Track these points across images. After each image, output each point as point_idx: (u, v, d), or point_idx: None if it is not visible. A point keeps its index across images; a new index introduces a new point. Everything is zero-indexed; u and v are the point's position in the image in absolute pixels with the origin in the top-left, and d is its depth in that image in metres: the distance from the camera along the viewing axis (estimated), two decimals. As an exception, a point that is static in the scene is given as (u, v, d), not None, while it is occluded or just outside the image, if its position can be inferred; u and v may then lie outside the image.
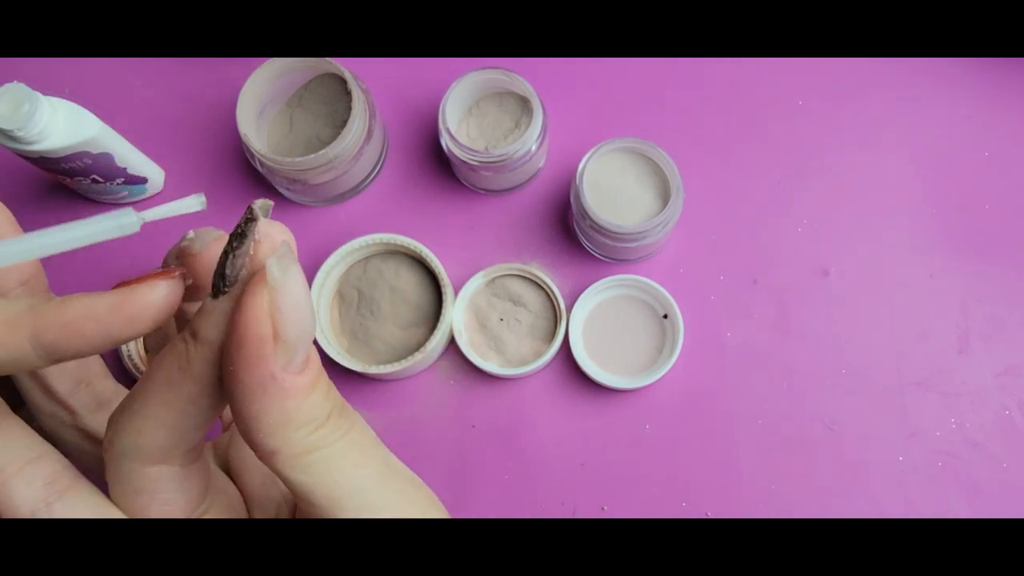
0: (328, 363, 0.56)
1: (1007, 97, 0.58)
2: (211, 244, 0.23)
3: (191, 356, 0.22)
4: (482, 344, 0.55)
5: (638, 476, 0.54)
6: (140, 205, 0.60)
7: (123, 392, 0.29)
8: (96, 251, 0.60)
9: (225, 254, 0.21)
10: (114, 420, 0.23)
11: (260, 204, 0.21)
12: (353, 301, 0.56)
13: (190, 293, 0.23)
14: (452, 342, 0.56)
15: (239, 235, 0.21)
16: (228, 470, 0.29)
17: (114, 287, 0.22)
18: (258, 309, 0.20)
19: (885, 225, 0.57)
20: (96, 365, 0.29)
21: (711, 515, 0.54)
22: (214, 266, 0.22)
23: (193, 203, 0.21)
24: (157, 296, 0.22)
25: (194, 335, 0.22)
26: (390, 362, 0.53)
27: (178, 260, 0.24)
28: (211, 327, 0.21)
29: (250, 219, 0.21)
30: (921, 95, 0.58)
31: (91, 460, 0.26)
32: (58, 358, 0.22)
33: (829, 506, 0.53)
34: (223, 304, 0.21)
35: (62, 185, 0.58)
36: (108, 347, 0.22)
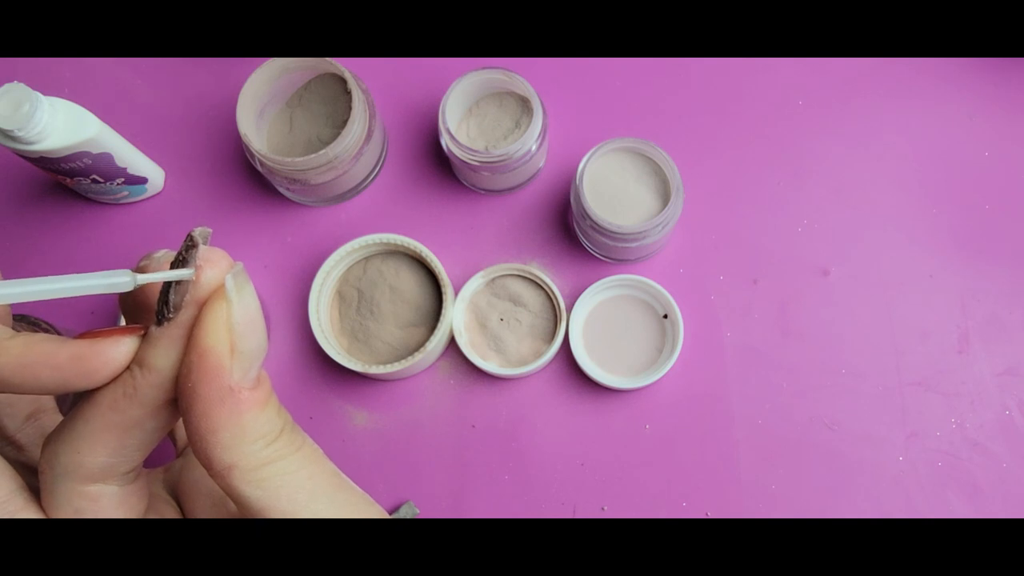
0: (328, 363, 0.56)
1: (1007, 97, 0.58)
2: (164, 264, 0.24)
3: (138, 382, 0.22)
4: (482, 344, 0.55)
5: (638, 476, 0.54)
6: (140, 205, 0.60)
7: None
8: (97, 241, 0.60)
9: (167, 282, 0.22)
10: (52, 442, 0.23)
11: (200, 232, 0.22)
12: (353, 301, 0.56)
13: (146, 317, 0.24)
14: (452, 342, 0.56)
15: (181, 262, 0.22)
16: (178, 495, 0.29)
17: (80, 335, 0.22)
18: (217, 323, 0.22)
19: (885, 225, 0.57)
20: (47, 400, 0.29)
21: (711, 515, 0.54)
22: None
23: (185, 273, 0.22)
24: (118, 353, 0.22)
25: (140, 363, 0.22)
26: (390, 362, 0.53)
27: None
28: (159, 354, 0.22)
29: (191, 246, 0.22)
30: (921, 95, 0.58)
31: (34, 493, 0.27)
32: (9, 392, 0.22)
33: (829, 506, 0.53)
34: (170, 330, 0.22)
35: (62, 185, 0.58)
36: (61, 392, 0.22)
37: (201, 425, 0.22)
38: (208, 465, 0.22)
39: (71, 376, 0.22)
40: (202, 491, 0.29)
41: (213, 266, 0.22)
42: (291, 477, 0.23)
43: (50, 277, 0.21)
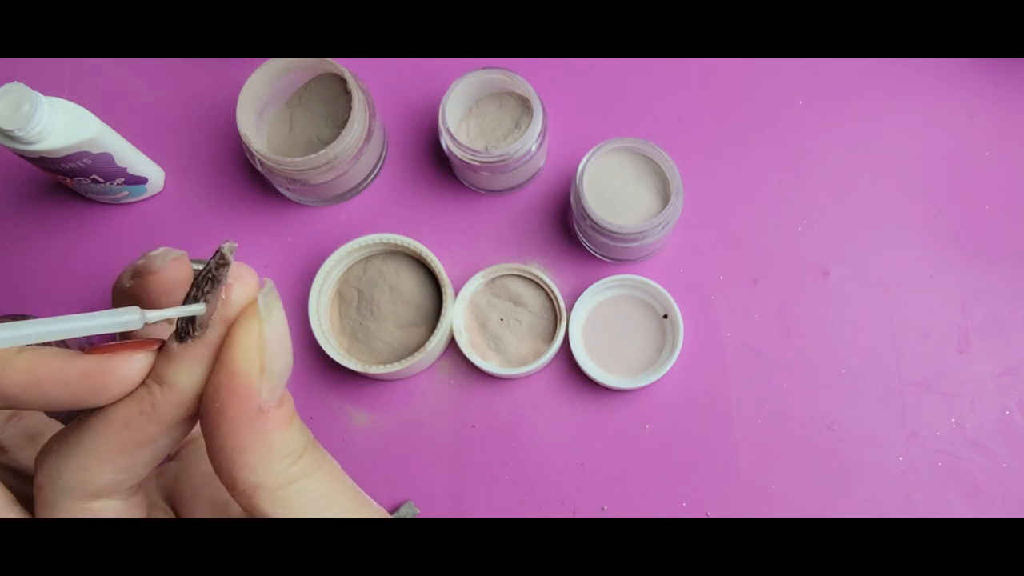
0: (328, 363, 0.56)
1: (1007, 97, 0.58)
2: (170, 264, 0.23)
3: (157, 400, 0.22)
4: (482, 344, 0.55)
5: (638, 476, 0.54)
6: (140, 205, 0.60)
7: (53, 424, 0.28)
8: (105, 235, 0.59)
9: (195, 299, 0.22)
10: (52, 456, 0.22)
11: (228, 247, 0.22)
12: (353, 301, 0.56)
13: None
14: (452, 342, 0.56)
15: (211, 280, 0.22)
16: (174, 501, 0.29)
17: (89, 350, 0.22)
18: (249, 343, 0.21)
19: (885, 225, 0.57)
20: None
21: (711, 515, 0.54)
22: (171, 285, 0.22)
23: (196, 308, 0.21)
24: (131, 369, 0.22)
25: (160, 380, 0.22)
26: (390, 362, 0.53)
27: (134, 278, 0.24)
28: (181, 371, 0.21)
29: (222, 264, 0.22)
30: (921, 95, 0.58)
31: (18, 497, 0.25)
32: (15, 407, 0.22)
33: (829, 506, 0.53)
34: (196, 349, 0.21)
35: (62, 185, 0.58)
36: (70, 409, 0.22)
37: (227, 445, 0.21)
38: (231, 484, 0.22)
39: (81, 393, 0.21)
40: (202, 497, 0.28)
41: (244, 284, 0.22)
42: (314, 495, 0.22)
43: (58, 317, 0.21)
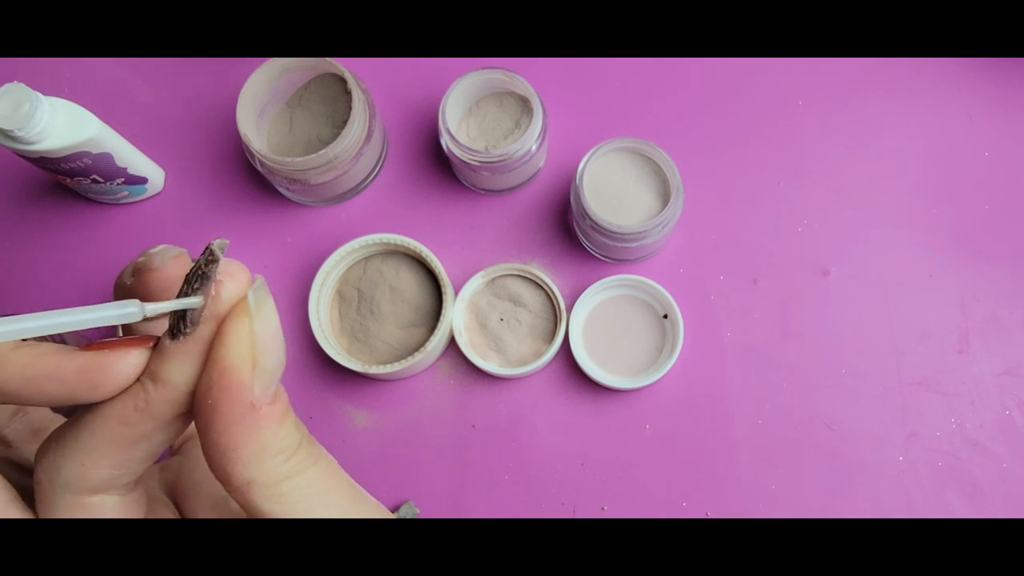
0: (328, 363, 0.56)
1: (1007, 97, 0.58)
2: (170, 262, 0.23)
3: (151, 396, 0.22)
4: (482, 344, 0.55)
5: (638, 476, 0.54)
6: (140, 205, 0.60)
7: (57, 420, 0.29)
8: (105, 233, 0.59)
9: (186, 295, 0.22)
10: (51, 452, 0.23)
11: (218, 244, 0.22)
12: (353, 301, 0.56)
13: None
14: (452, 342, 0.56)
15: (201, 276, 0.22)
16: (176, 496, 0.29)
17: (86, 347, 0.22)
18: (240, 340, 0.21)
19: (885, 225, 0.57)
20: None
21: (711, 515, 0.54)
22: (171, 282, 0.22)
23: (193, 301, 0.22)
24: (127, 366, 0.22)
25: (154, 376, 0.22)
26: (390, 362, 0.53)
27: (135, 275, 0.24)
28: (174, 368, 0.22)
29: (211, 260, 0.22)
30: (921, 95, 0.58)
31: (21, 491, 0.26)
32: (12, 403, 0.22)
33: (829, 506, 0.53)
34: (188, 345, 0.22)
35: (62, 185, 0.58)
36: (66, 404, 0.22)
37: (220, 441, 0.21)
38: (226, 481, 0.22)
39: (77, 389, 0.21)
40: (202, 492, 0.29)
41: (234, 281, 0.22)
42: (309, 491, 0.22)
43: (57, 311, 0.21)
